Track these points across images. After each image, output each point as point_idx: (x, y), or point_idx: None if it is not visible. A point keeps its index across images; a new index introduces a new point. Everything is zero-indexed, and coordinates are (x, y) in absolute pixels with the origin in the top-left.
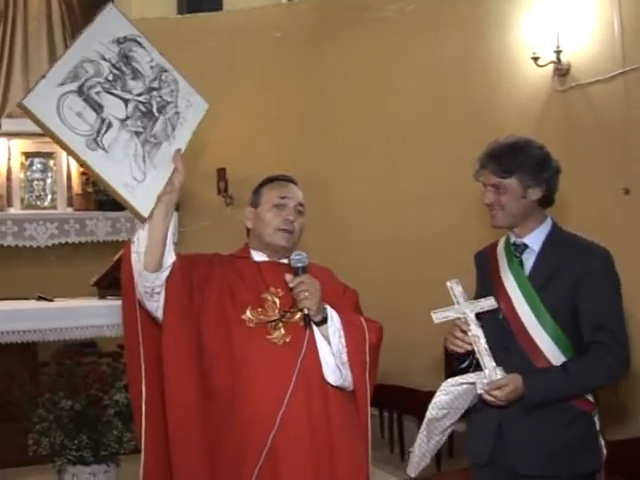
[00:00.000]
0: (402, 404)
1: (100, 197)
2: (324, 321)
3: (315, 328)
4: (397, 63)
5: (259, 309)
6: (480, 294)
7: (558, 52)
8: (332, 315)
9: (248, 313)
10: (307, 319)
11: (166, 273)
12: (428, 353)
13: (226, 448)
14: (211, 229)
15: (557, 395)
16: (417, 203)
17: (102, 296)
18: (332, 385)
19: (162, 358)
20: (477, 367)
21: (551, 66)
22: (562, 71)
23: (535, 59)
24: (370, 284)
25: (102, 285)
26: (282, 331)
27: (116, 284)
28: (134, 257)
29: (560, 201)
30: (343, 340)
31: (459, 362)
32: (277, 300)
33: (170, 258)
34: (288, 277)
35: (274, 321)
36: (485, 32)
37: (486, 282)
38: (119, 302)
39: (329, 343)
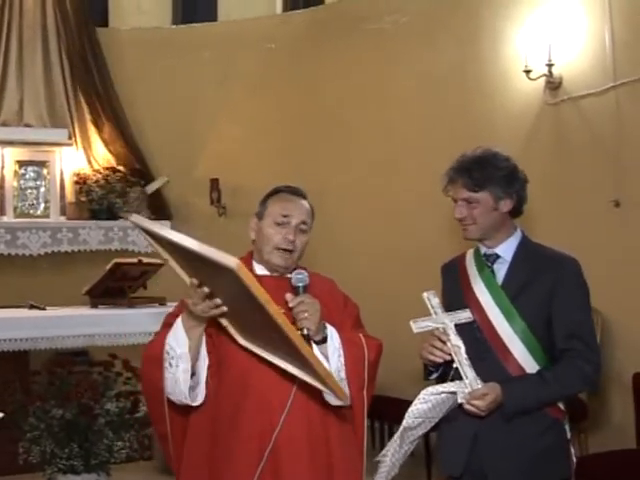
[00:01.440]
0: (392, 415)
1: (93, 206)
2: (324, 340)
3: (315, 347)
4: (392, 75)
5: None
6: (449, 306)
7: (550, 65)
8: (332, 334)
9: None
10: (307, 339)
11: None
12: (417, 364)
13: (228, 459)
14: (204, 239)
15: (536, 403)
16: (411, 213)
17: (94, 305)
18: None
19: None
20: (447, 377)
21: (543, 79)
22: (554, 84)
23: (527, 72)
24: (359, 293)
25: (94, 294)
26: None
27: (108, 293)
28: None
29: (550, 213)
30: (342, 359)
31: (429, 372)
32: None
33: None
34: (289, 297)
35: None
36: (479, 45)
37: (454, 293)
38: (111, 311)
39: (328, 362)
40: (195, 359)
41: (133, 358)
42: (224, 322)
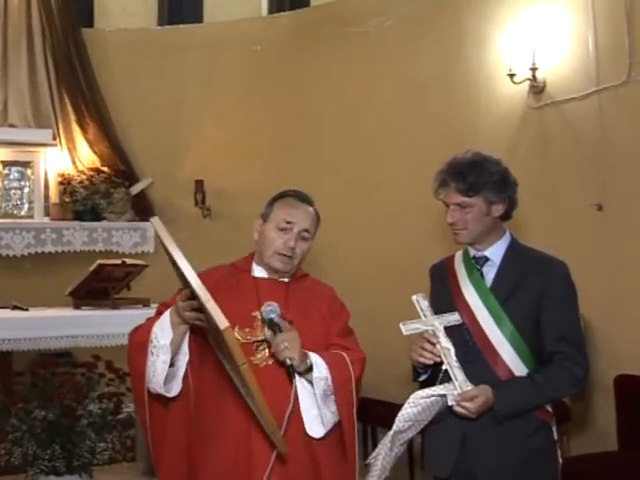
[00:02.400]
0: (377, 417)
1: (77, 207)
2: (309, 369)
3: (298, 379)
4: (377, 78)
5: (247, 329)
6: (437, 308)
7: (534, 69)
8: (317, 362)
9: (236, 332)
10: (291, 370)
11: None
12: (405, 367)
13: (208, 459)
14: (188, 241)
15: (526, 406)
16: (399, 216)
17: (77, 306)
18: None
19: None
20: (436, 380)
21: (527, 83)
22: (537, 88)
23: (511, 76)
24: (347, 296)
25: (77, 295)
26: (266, 353)
27: (91, 294)
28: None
29: (533, 217)
30: (330, 383)
31: (417, 374)
32: None
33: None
34: (267, 333)
35: (261, 341)
36: (463, 48)
37: (442, 295)
38: (94, 312)
39: (314, 390)
40: (175, 353)
41: (116, 359)
42: (210, 339)
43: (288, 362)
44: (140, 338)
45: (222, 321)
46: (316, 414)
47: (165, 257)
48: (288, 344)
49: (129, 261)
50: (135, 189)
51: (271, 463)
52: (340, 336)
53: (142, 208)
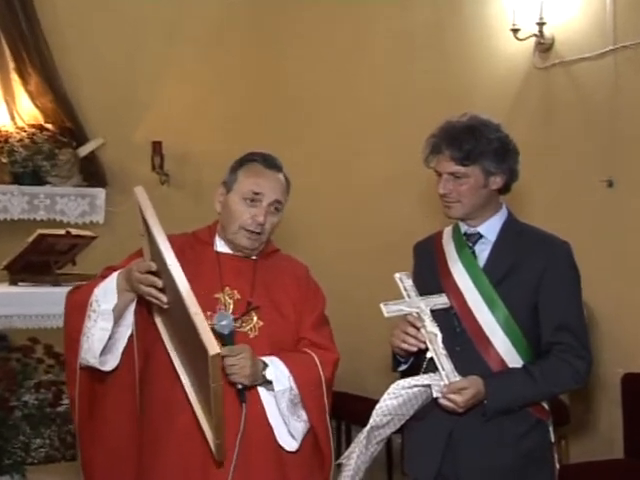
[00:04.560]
0: (351, 413)
1: (16, 169)
2: (268, 381)
3: (261, 392)
4: (363, 34)
5: (208, 312)
6: (422, 290)
7: (541, 24)
8: (277, 375)
9: None
10: (241, 394)
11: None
12: (382, 356)
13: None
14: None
15: (521, 401)
16: (379, 188)
17: (13, 282)
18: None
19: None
20: (420, 369)
21: (532, 40)
22: (545, 46)
23: (515, 31)
24: (319, 275)
25: (14, 269)
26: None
27: (30, 269)
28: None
29: (534, 192)
30: (296, 390)
31: (398, 364)
32: (231, 303)
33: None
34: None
35: None
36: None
37: (428, 276)
38: (33, 289)
39: (276, 401)
40: (116, 322)
41: (57, 343)
42: (157, 319)
43: (239, 386)
44: (80, 298)
45: (213, 345)
46: (285, 430)
47: (119, 228)
48: (237, 368)
49: (75, 232)
50: (84, 150)
51: (231, 473)
52: (313, 328)
53: (91, 172)
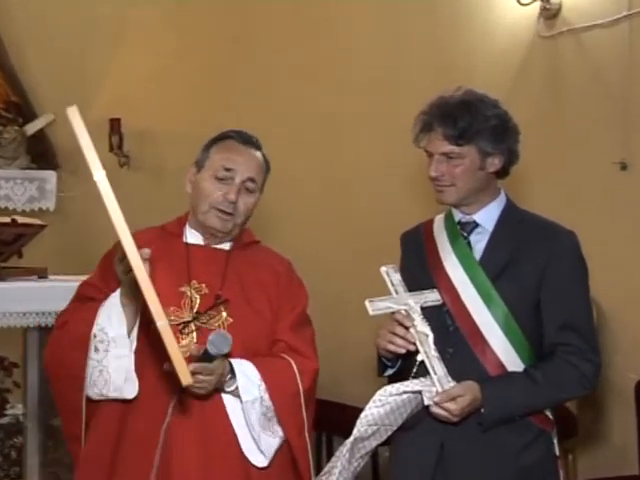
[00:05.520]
0: (333, 423)
1: None
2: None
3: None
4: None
5: (172, 307)
6: (410, 285)
7: None
8: (245, 385)
9: None
10: None
11: None
12: (370, 358)
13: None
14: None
15: (522, 409)
16: (363, 171)
17: None
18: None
19: None
20: (409, 374)
21: (537, 5)
22: (550, 12)
23: None
24: (302, 269)
25: None
26: (194, 338)
27: None
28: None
29: (537, 175)
30: (269, 402)
31: (384, 368)
32: (197, 297)
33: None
34: (194, 349)
35: (187, 323)
36: None
37: (417, 269)
38: None
39: (245, 417)
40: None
41: (1, 345)
42: None
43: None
44: (80, 331)
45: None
46: (253, 445)
47: (72, 216)
48: (200, 385)
49: (21, 220)
50: (32, 128)
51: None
52: (292, 329)
53: (41, 152)
